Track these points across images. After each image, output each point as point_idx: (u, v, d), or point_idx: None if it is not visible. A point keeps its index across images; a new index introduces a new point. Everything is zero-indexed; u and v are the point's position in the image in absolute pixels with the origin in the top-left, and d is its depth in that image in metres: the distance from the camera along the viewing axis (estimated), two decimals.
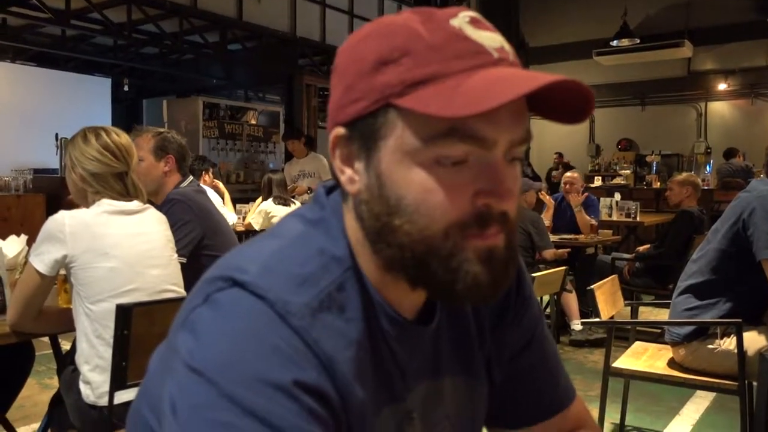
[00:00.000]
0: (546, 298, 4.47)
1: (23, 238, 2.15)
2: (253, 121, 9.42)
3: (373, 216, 0.58)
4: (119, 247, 1.73)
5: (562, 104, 0.58)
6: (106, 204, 1.76)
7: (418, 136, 0.55)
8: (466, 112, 0.51)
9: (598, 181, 9.52)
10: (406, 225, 0.56)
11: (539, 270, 3.91)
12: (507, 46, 0.58)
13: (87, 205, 1.80)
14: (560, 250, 4.41)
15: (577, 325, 4.39)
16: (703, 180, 7.85)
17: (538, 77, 0.52)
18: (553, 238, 4.88)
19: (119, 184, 1.80)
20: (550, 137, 12.08)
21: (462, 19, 0.56)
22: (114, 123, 9.43)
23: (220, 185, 5.18)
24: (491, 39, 0.57)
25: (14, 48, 8.15)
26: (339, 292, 0.59)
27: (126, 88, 9.94)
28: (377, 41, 0.57)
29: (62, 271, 1.75)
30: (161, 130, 2.54)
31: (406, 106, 0.54)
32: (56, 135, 7.37)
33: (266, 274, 0.56)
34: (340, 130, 0.60)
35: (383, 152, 0.57)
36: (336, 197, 0.64)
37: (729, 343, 2.31)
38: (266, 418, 0.50)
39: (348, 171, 0.60)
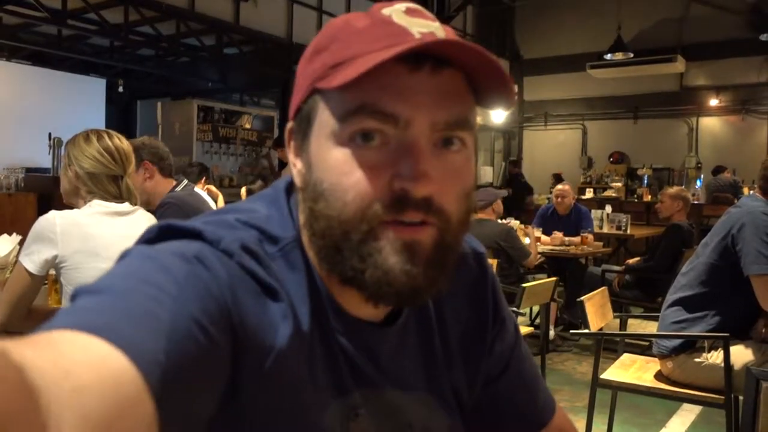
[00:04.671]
0: (536, 308, 4.50)
1: (15, 237, 2.13)
2: (248, 126, 9.41)
3: (306, 206, 0.59)
4: (111, 248, 1.73)
5: (493, 91, 0.58)
6: (98, 205, 1.76)
7: (334, 115, 0.55)
8: (341, 81, 0.52)
9: (589, 193, 9.58)
10: (325, 209, 0.56)
11: (528, 281, 3.93)
12: (440, 32, 0.57)
13: (77, 204, 1.80)
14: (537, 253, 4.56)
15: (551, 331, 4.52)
16: (693, 194, 7.91)
17: (414, 42, 0.53)
18: (542, 248, 4.91)
19: (113, 186, 1.80)
20: (542, 149, 12.15)
21: (396, 8, 0.57)
22: (108, 124, 9.40)
23: (213, 188, 5.17)
24: (421, 25, 0.56)
25: (9, 46, 8.11)
26: (288, 263, 0.60)
27: (121, 90, 9.91)
28: (317, 36, 0.60)
29: (52, 271, 1.74)
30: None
31: (320, 86, 0.56)
32: (49, 134, 7.33)
33: (214, 227, 0.57)
34: (290, 124, 0.62)
35: (312, 137, 0.58)
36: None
37: (716, 357, 2.33)
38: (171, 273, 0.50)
39: (298, 163, 0.61)
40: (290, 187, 0.65)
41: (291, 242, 0.60)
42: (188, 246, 0.54)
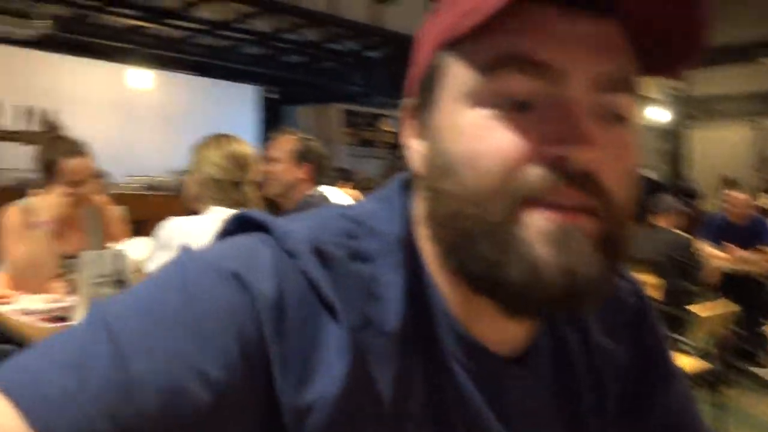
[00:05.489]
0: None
1: (150, 242, 2.17)
2: (388, 128, 9.46)
3: (429, 191, 0.48)
4: None
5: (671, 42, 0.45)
6: (218, 212, 1.76)
7: (470, 70, 0.45)
8: (478, 20, 0.41)
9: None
10: (452, 186, 0.45)
11: (697, 302, 3.47)
12: None
13: (200, 210, 1.80)
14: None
15: None
16: None
17: None
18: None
19: (236, 192, 1.79)
20: (700, 146, 11.04)
21: None
22: (257, 129, 9.88)
23: (352, 191, 5.19)
24: None
25: (170, 58, 8.70)
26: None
27: (270, 96, 10.38)
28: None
29: None
30: (308, 136, 2.55)
31: (451, 36, 0.45)
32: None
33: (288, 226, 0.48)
34: (406, 101, 0.52)
35: (441, 103, 0.47)
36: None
37: None
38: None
39: (414, 144, 0.51)
40: (408, 184, 0.54)
41: (396, 239, 0.49)
42: (242, 249, 0.45)
